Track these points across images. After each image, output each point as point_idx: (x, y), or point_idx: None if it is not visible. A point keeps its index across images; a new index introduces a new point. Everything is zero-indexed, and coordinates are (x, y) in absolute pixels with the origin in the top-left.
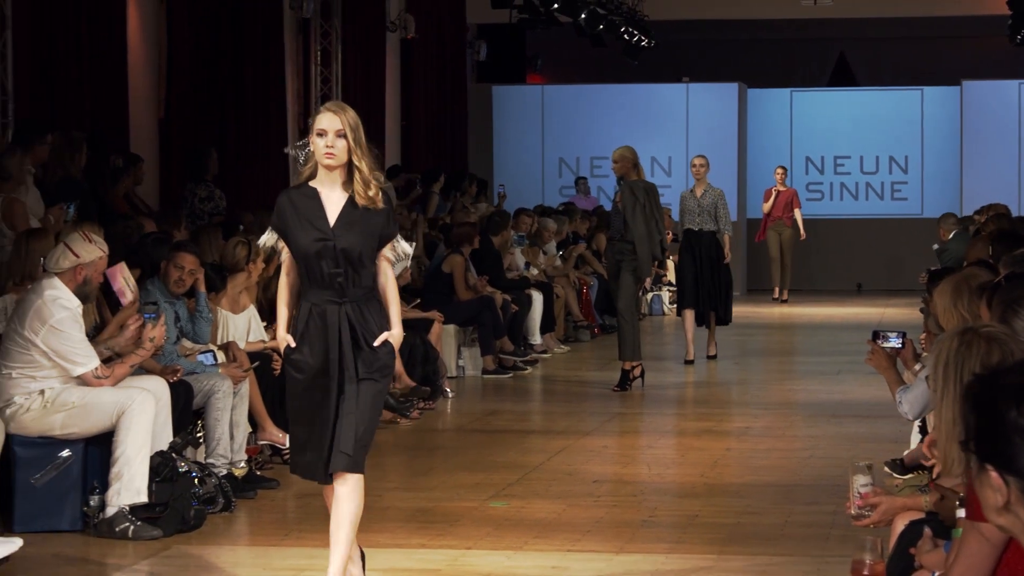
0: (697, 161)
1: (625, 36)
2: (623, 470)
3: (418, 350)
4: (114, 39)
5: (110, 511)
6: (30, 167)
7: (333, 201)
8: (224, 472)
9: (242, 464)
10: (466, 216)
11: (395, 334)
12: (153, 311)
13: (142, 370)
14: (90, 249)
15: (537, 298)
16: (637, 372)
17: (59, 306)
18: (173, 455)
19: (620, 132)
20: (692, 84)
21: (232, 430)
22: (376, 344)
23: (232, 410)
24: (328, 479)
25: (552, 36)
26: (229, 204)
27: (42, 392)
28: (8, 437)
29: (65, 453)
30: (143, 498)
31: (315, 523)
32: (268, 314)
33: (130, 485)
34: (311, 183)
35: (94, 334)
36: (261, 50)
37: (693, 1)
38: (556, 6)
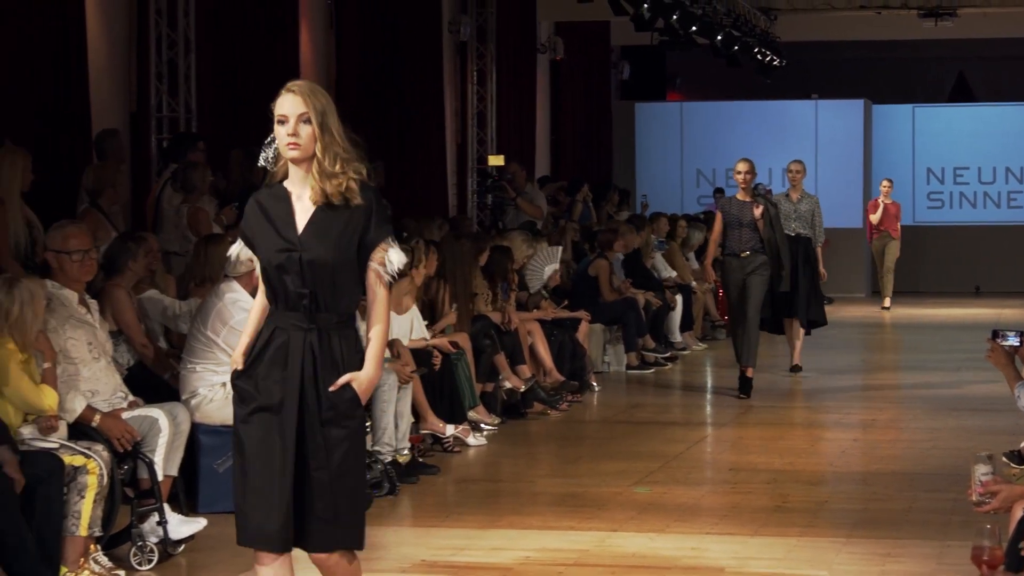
0: (794, 167)
1: (758, 56)
2: (756, 459)
3: (567, 347)
4: (288, 61)
5: None
6: (211, 177)
7: (304, 203)
8: (389, 459)
9: (405, 452)
10: (613, 224)
11: (363, 377)
12: None
13: None
14: None
15: (677, 298)
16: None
17: (238, 308)
18: None
19: (753, 145)
20: (820, 100)
21: (397, 420)
22: (332, 388)
23: (397, 402)
24: (287, 547)
25: (690, 56)
26: (394, 214)
27: (224, 384)
28: (193, 426)
29: None
30: None
31: (472, 506)
32: (429, 314)
33: None
34: (284, 183)
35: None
36: (422, 71)
37: (821, 23)
38: (694, 29)
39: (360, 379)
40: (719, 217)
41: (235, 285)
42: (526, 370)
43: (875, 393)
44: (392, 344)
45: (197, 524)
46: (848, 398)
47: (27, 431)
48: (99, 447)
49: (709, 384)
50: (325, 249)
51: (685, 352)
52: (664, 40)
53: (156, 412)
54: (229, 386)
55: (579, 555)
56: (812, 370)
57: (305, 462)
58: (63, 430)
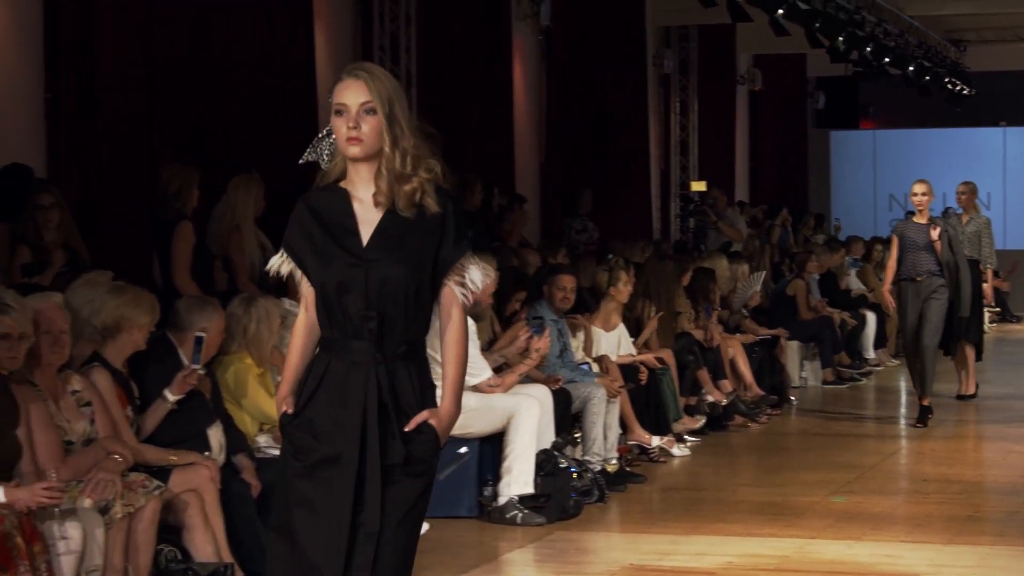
0: (960, 188)
1: (948, 85)
2: (949, 470)
3: (766, 363)
4: (502, 92)
5: (501, 500)
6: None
7: (369, 210)
8: (598, 468)
9: (614, 461)
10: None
11: (443, 413)
12: (538, 325)
13: (528, 379)
14: None
15: (871, 317)
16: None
17: None
18: (555, 453)
19: (942, 171)
20: (1009, 128)
21: (606, 432)
22: (409, 428)
23: (606, 415)
24: None
25: (883, 86)
26: (601, 235)
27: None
28: None
29: (463, 450)
30: (530, 489)
31: (677, 513)
32: (635, 330)
33: (519, 478)
34: (341, 183)
35: (488, 347)
36: (628, 101)
37: (1010, 53)
38: (887, 60)
39: (440, 416)
40: (895, 241)
41: None
42: (727, 384)
43: None
44: (601, 360)
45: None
46: None
47: (263, 440)
48: None
49: (902, 399)
50: (397, 264)
51: (879, 368)
52: (858, 71)
53: None
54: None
55: (779, 561)
56: (1003, 386)
57: (359, 518)
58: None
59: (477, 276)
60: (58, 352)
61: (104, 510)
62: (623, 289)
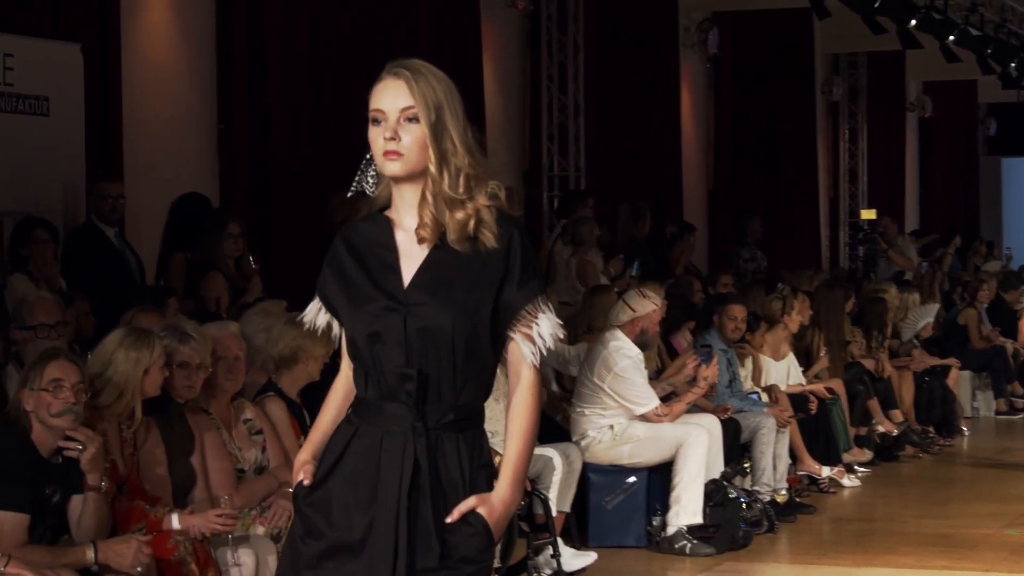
0: None
1: None
2: None
3: (937, 393)
4: (670, 121)
5: (670, 530)
6: (598, 231)
7: (413, 243)
8: (768, 498)
9: (783, 491)
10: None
11: (496, 501)
12: (706, 353)
13: (697, 408)
14: (645, 304)
15: None
16: None
17: (622, 355)
18: (724, 483)
19: None
20: None
21: (775, 461)
22: (452, 518)
23: (775, 444)
24: None
25: None
26: (770, 264)
27: (611, 427)
28: (584, 465)
29: (631, 479)
30: (699, 519)
31: (847, 544)
32: (804, 361)
33: (687, 508)
34: (388, 212)
35: (656, 376)
36: (796, 129)
37: None
38: None
39: (492, 504)
40: None
41: (618, 333)
42: (898, 415)
43: None
44: (770, 389)
45: (588, 557)
46: None
47: None
48: None
49: None
50: (442, 310)
51: None
52: None
53: (550, 451)
54: (617, 427)
55: None
56: None
57: None
58: None
59: (548, 329)
60: (232, 380)
61: (276, 538)
62: (795, 318)
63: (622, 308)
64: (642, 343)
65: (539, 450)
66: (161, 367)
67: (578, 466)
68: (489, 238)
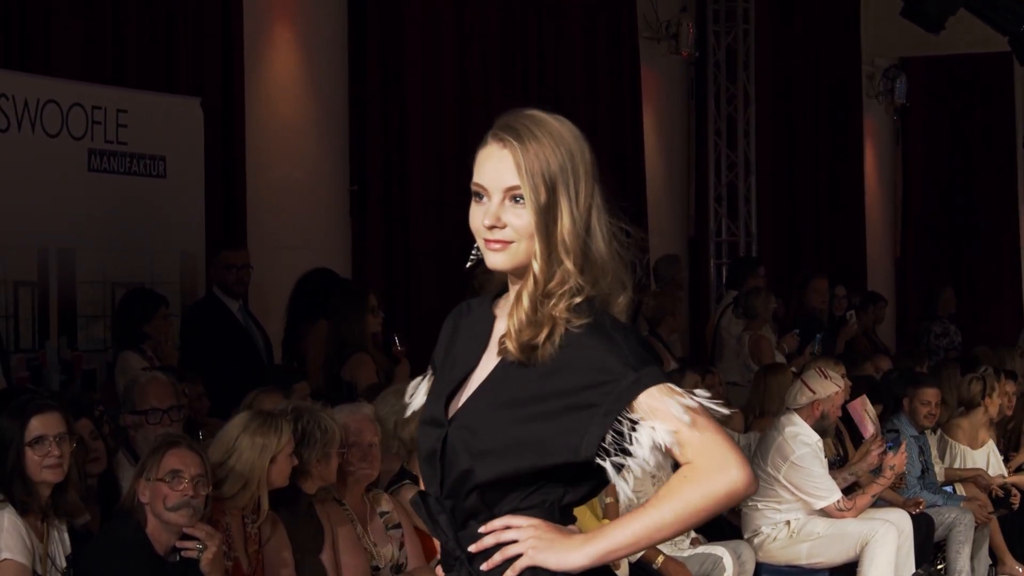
0: None
1: None
2: None
3: None
4: (852, 180)
5: None
6: (773, 304)
7: (495, 346)
8: None
9: None
10: None
11: (553, 532)
12: (894, 439)
13: (885, 502)
14: (826, 385)
15: None
16: None
17: (799, 442)
18: None
19: None
20: None
21: (973, 562)
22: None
23: (973, 543)
24: None
25: None
26: (964, 340)
27: (788, 523)
28: (757, 565)
29: None
30: None
31: None
32: (1009, 446)
33: None
34: (498, 300)
35: (836, 464)
36: (995, 188)
37: None
38: None
39: (543, 529)
40: None
41: (795, 418)
42: None
43: None
44: (975, 478)
45: None
46: None
47: None
48: None
49: None
50: (475, 441)
51: None
52: None
53: (720, 550)
54: (794, 523)
55: None
56: None
57: None
58: (624, 567)
59: (678, 409)
60: (367, 468)
61: None
62: (996, 401)
63: (800, 389)
64: (822, 428)
65: (706, 548)
66: (289, 455)
67: (751, 567)
68: (551, 353)
